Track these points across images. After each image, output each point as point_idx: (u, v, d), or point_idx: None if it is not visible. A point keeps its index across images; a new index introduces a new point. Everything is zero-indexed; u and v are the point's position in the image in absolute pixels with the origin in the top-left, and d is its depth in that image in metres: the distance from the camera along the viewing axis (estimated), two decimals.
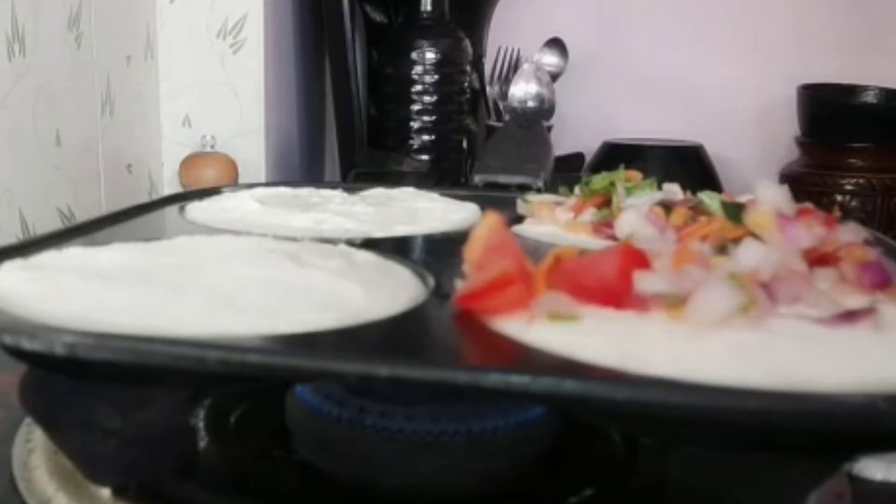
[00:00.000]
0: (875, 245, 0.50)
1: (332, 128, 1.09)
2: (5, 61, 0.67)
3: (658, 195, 0.53)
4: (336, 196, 0.62)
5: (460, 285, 0.35)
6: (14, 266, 0.38)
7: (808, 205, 0.39)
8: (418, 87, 1.03)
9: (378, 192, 0.64)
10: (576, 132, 1.21)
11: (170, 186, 0.95)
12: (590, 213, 0.54)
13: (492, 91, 1.18)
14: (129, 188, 0.89)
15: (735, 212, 0.34)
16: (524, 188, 0.67)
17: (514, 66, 1.17)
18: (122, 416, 0.34)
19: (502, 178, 0.70)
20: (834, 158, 1.03)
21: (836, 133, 1.03)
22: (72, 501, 0.35)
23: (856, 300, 0.33)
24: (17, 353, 0.31)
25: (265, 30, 0.94)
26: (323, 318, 0.33)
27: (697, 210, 0.52)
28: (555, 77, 1.13)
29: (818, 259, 0.35)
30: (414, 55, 1.03)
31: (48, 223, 0.73)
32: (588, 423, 0.39)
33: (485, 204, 0.61)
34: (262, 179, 0.94)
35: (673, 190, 0.55)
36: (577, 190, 0.58)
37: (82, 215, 0.78)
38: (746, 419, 0.27)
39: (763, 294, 0.31)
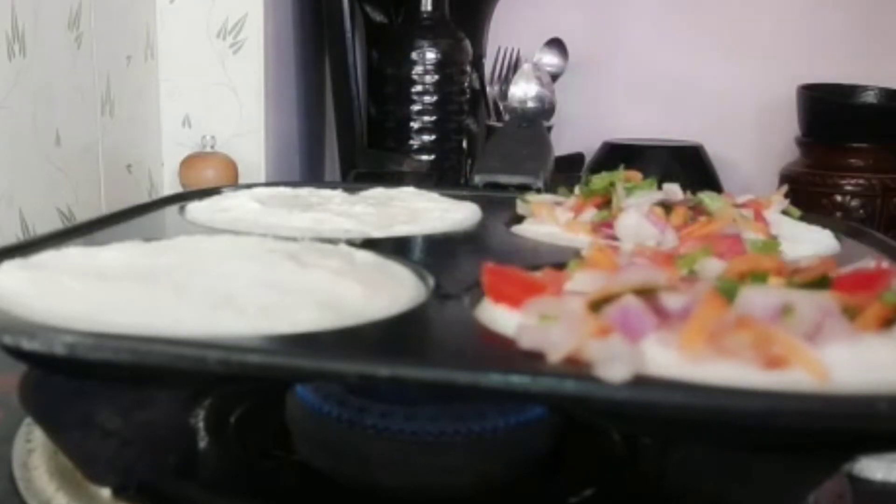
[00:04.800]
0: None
1: (332, 128, 1.09)
2: (5, 61, 0.67)
3: (658, 195, 0.54)
4: (336, 196, 0.62)
5: None
6: (14, 266, 0.38)
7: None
8: (418, 87, 1.03)
9: (378, 192, 0.64)
10: (576, 132, 1.21)
11: (170, 186, 0.95)
12: (590, 213, 0.54)
13: (492, 91, 1.18)
14: (129, 188, 0.89)
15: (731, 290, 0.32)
16: (524, 188, 0.67)
17: (514, 66, 1.17)
18: (122, 416, 0.35)
19: (502, 178, 0.70)
20: (834, 158, 1.03)
21: (836, 133, 1.03)
22: (72, 501, 0.35)
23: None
24: (17, 353, 0.31)
25: (265, 30, 0.93)
26: (323, 318, 0.33)
27: (697, 210, 0.52)
28: (555, 77, 1.13)
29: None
30: (414, 55, 1.03)
31: (48, 223, 0.73)
32: (588, 423, 0.39)
33: (485, 204, 0.61)
34: (262, 179, 0.94)
35: (673, 190, 0.55)
36: (577, 190, 0.58)
37: (82, 215, 0.77)
38: (746, 419, 0.27)
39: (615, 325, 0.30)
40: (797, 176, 1.05)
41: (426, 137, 1.05)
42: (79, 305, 0.34)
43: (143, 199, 0.85)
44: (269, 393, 0.44)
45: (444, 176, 1.03)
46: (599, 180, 0.56)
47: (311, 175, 1.15)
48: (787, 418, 0.26)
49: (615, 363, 0.27)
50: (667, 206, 0.52)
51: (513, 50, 1.20)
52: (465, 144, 1.09)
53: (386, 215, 0.55)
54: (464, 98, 1.07)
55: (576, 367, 0.28)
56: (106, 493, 0.35)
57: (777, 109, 1.18)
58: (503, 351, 0.31)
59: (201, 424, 0.43)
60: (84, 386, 0.33)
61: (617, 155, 1.12)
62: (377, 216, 0.55)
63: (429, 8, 1.04)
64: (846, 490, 0.38)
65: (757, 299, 0.30)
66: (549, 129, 1.01)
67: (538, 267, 0.39)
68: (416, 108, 1.04)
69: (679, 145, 1.13)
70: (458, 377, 0.29)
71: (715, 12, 1.23)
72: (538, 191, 0.67)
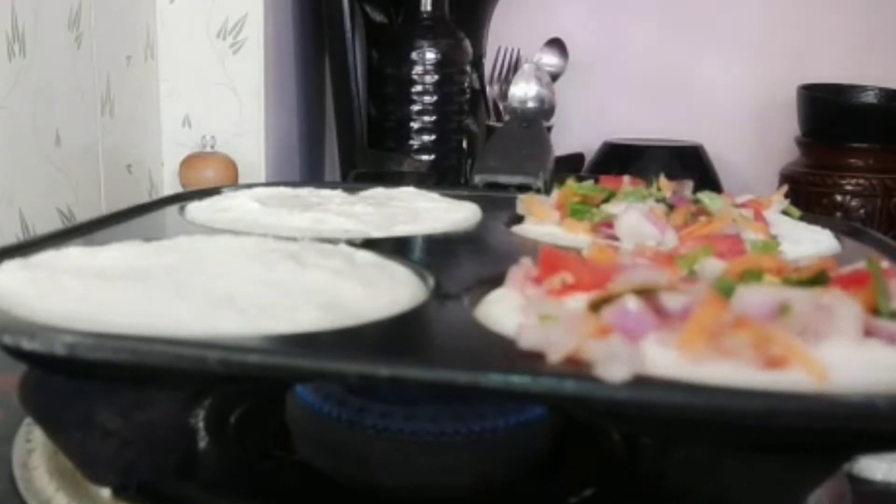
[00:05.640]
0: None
1: (332, 128, 1.09)
2: (5, 61, 0.67)
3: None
4: (336, 196, 0.62)
5: None
6: (14, 266, 0.38)
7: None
8: (418, 87, 1.03)
9: (378, 192, 0.64)
10: (576, 132, 1.21)
11: (170, 186, 0.95)
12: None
13: (492, 91, 1.18)
14: (129, 188, 0.89)
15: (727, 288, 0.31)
16: (524, 188, 0.67)
17: (514, 66, 1.17)
18: (122, 416, 0.35)
19: (502, 178, 0.69)
20: (834, 158, 1.03)
21: (836, 133, 1.03)
22: (72, 501, 0.35)
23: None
24: (17, 353, 0.31)
25: (265, 30, 0.93)
26: (323, 318, 0.33)
27: (697, 210, 0.52)
28: (555, 77, 1.13)
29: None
30: (414, 55, 1.03)
31: (48, 223, 0.73)
32: (588, 423, 0.39)
33: (485, 204, 0.61)
34: (262, 179, 0.94)
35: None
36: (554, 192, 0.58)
37: (82, 215, 0.77)
38: (746, 419, 0.27)
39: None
40: (797, 176, 1.05)
41: (426, 137, 1.05)
42: (79, 305, 0.34)
43: (143, 199, 0.85)
44: (269, 393, 0.44)
45: (444, 176, 1.03)
46: (575, 188, 0.56)
47: (311, 175, 1.15)
48: (787, 418, 0.26)
49: (615, 363, 0.27)
50: (668, 205, 0.52)
51: (513, 50, 1.20)
52: (465, 144, 1.09)
53: (386, 215, 0.55)
54: (464, 98, 1.07)
55: (576, 367, 0.28)
56: (106, 493, 0.35)
57: (777, 109, 1.18)
58: (503, 351, 0.31)
59: (201, 424, 0.43)
60: (84, 386, 0.33)
61: (617, 155, 1.12)
62: (377, 216, 0.55)
63: (429, 8, 1.04)
64: (846, 490, 0.38)
65: (753, 298, 0.30)
66: (549, 129, 1.01)
67: None
68: (416, 108, 1.04)
69: (679, 145, 1.13)
70: (458, 377, 0.29)
71: (715, 12, 1.23)
72: (538, 191, 0.67)
